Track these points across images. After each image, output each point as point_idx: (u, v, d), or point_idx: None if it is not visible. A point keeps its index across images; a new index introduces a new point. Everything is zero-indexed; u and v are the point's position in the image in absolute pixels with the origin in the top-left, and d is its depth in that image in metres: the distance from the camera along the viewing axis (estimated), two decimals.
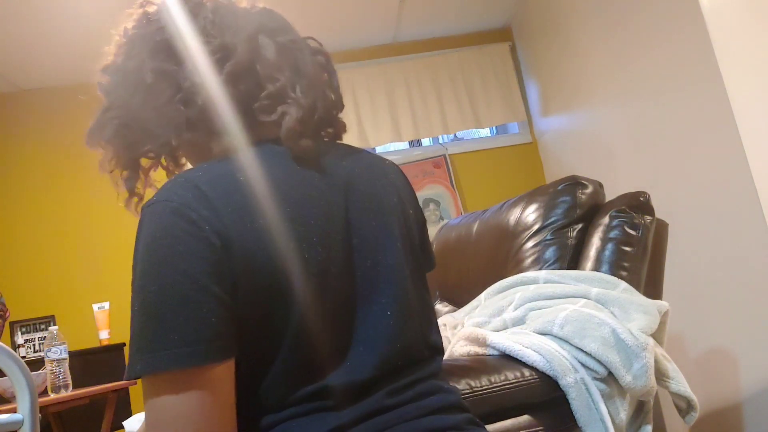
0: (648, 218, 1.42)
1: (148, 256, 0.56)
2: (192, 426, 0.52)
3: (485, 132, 3.66)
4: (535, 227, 1.52)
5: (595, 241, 1.41)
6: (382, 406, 0.62)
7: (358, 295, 0.64)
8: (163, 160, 0.74)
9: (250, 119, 0.68)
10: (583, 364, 1.08)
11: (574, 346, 1.10)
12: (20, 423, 0.93)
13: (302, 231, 0.60)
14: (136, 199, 0.73)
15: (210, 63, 0.67)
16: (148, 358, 0.53)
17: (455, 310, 1.70)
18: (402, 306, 0.66)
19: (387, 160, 0.80)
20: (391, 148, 3.50)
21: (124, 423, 0.93)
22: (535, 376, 1.07)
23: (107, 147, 0.72)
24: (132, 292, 0.56)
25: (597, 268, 1.36)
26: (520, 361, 1.10)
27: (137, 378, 0.54)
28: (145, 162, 0.74)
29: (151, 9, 0.72)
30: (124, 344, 2.96)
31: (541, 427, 1.06)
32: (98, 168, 0.74)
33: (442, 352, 0.74)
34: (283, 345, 0.59)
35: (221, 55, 0.67)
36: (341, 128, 0.76)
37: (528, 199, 1.60)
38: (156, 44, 0.69)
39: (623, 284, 1.27)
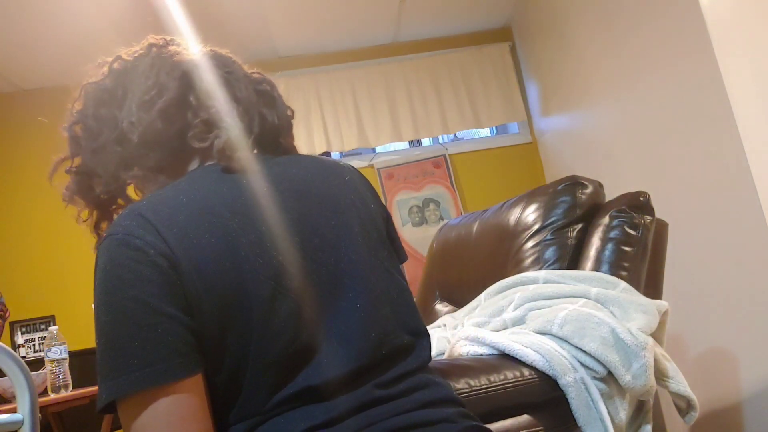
0: (648, 218, 1.42)
1: (101, 289, 0.58)
2: None
3: (485, 132, 3.66)
4: (535, 227, 1.52)
5: (595, 241, 1.41)
6: (374, 398, 0.63)
7: (325, 293, 0.66)
8: (120, 201, 0.79)
9: (188, 148, 0.72)
10: (582, 364, 1.08)
11: (573, 345, 1.10)
12: (20, 423, 0.93)
13: (252, 238, 0.62)
14: None
15: (143, 102, 0.71)
16: (111, 385, 0.55)
17: (455, 310, 1.70)
18: (370, 297, 0.68)
19: (343, 162, 0.83)
20: (391, 148, 3.51)
21: None
22: (535, 376, 1.07)
23: (76, 201, 0.78)
24: (94, 324, 0.59)
25: (597, 268, 1.36)
26: (520, 360, 1.10)
27: (105, 405, 0.56)
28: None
29: (105, 63, 0.79)
30: None
31: (540, 427, 1.06)
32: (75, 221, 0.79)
33: (426, 335, 0.75)
34: (250, 352, 0.60)
35: (155, 93, 0.71)
36: (290, 145, 0.81)
37: (528, 199, 1.60)
38: (101, 92, 0.75)
39: (623, 284, 1.27)
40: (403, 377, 0.67)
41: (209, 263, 0.59)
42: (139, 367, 0.55)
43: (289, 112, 0.82)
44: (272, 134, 0.78)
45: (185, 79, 0.74)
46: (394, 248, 0.82)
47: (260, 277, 0.61)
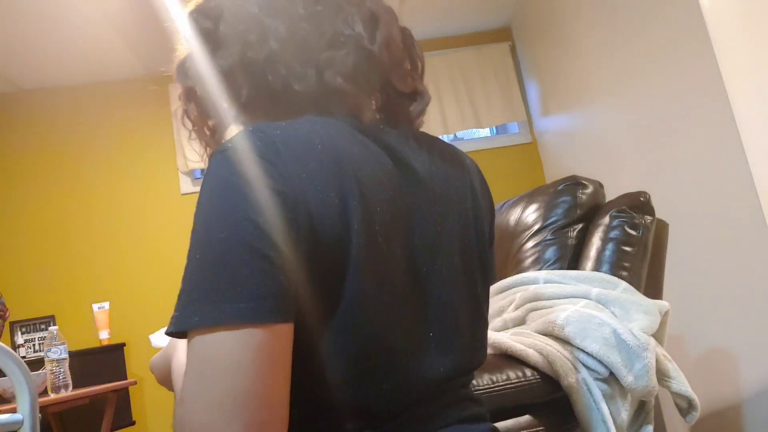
0: (648, 218, 1.42)
1: (218, 201, 0.52)
2: (248, 383, 0.48)
3: (485, 132, 3.66)
4: (536, 227, 1.52)
5: (596, 241, 1.41)
6: (414, 416, 0.60)
7: (407, 301, 0.59)
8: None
9: (384, 86, 0.68)
10: (584, 365, 1.08)
11: (575, 346, 1.10)
12: (20, 423, 0.93)
13: (364, 213, 0.56)
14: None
15: (366, 20, 0.66)
16: (207, 310, 0.49)
17: None
18: (446, 324, 0.62)
19: (468, 157, 0.75)
20: None
21: (150, 337, 0.91)
22: (537, 377, 1.07)
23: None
24: (193, 238, 0.53)
25: (597, 268, 1.36)
26: (522, 361, 1.10)
27: (192, 329, 0.50)
28: None
29: None
30: (124, 344, 2.96)
31: (542, 427, 1.06)
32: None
33: (480, 365, 0.69)
34: (323, 337, 0.55)
35: (371, 22, 0.66)
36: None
37: (528, 199, 1.61)
38: None
39: (623, 284, 1.27)
40: (444, 394, 0.63)
41: (324, 223, 0.54)
42: (246, 299, 0.49)
43: None
44: None
45: (391, 18, 0.71)
46: (489, 266, 0.75)
47: (367, 257, 0.55)
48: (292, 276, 0.52)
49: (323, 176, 0.55)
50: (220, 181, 0.53)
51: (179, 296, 0.51)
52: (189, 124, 0.71)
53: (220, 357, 0.49)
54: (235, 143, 0.55)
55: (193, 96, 0.69)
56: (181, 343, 0.68)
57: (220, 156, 0.54)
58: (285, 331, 0.51)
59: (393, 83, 0.67)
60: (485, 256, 0.70)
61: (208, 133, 0.71)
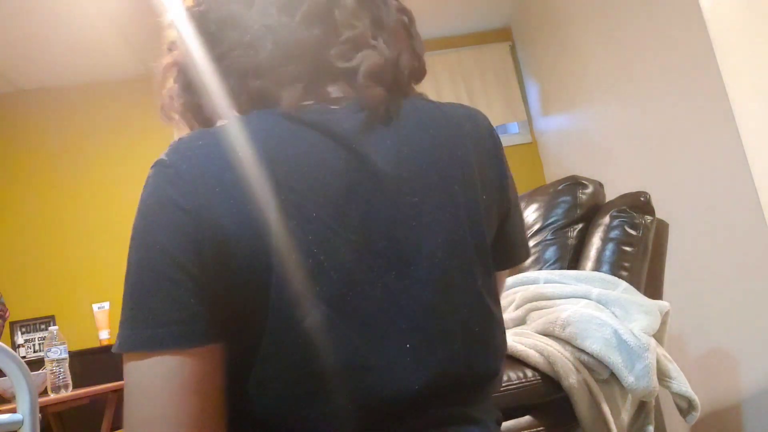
0: (648, 218, 1.42)
1: (136, 223, 0.53)
2: (160, 409, 0.49)
3: None
4: (536, 227, 1.52)
5: (596, 241, 1.41)
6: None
7: (371, 317, 0.53)
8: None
9: (327, 67, 0.60)
10: (585, 365, 1.08)
11: (576, 347, 1.10)
12: (20, 423, 0.93)
13: (294, 224, 0.52)
14: None
15: (284, 4, 0.59)
16: (125, 335, 0.50)
17: None
18: (432, 332, 0.55)
19: (470, 120, 0.64)
20: None
21: None
22: (538, 377, 1.07)
23: (174, 118, 0.69)
24: None
25: (597, 268, 1.36)
26: (523, 362, 1.10)
27: (117, 352, 0.51)
28: None
29: None
30: None
31: (542, 428, 1.06)
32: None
33: (495, 375, 0.60)
34: (256, 358, 0.52)
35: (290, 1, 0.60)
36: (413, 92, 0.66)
37: (528, 199, 1.60)
38: None
39: (624, 284, 1.27)
40: (423, 413, 0.56)
41: (239, 240, 0.51)
42: (154, 325, 0.49)
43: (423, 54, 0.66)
44: (409, 82, 0.64)
45: None
46: (503, 249, 0.66)
47: (287, 276, 0.51)
48: (205, 298, 0.51)
49: (240, 189, 0.52)
50: (141, 201, 0.54)
51: None
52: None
53: (133, 384, 0.50)
54: (161, 159, 0.54)
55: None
56: None
57: (150, 173, 0.54)
58: (202, 354, 0.51)
59: (332, 60, 0.60)
60: (484, 244, 0.60)
61: None
